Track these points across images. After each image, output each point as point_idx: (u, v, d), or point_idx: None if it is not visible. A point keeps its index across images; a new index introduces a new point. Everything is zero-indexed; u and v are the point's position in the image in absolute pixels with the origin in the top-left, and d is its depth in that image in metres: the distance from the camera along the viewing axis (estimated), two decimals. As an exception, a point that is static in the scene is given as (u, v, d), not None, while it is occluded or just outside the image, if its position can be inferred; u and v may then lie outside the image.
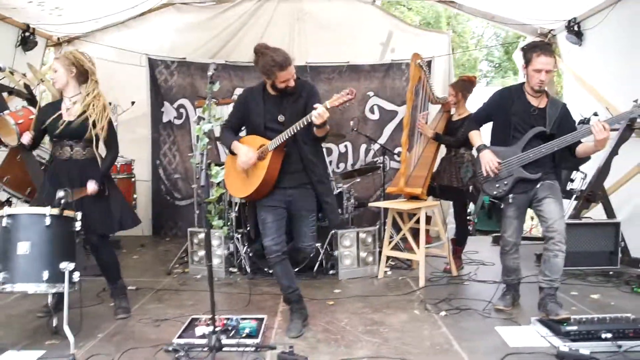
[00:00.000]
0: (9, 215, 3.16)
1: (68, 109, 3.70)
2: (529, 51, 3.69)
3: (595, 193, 5.37)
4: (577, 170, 5.67)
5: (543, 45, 3.72)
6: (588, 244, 5.09)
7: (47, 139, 4.94)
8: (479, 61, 21.85)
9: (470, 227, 8.04)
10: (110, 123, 3.79)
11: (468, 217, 8.10)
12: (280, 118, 3.50)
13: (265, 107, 3.53)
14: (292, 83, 3.46)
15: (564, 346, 3.06)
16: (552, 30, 6.96)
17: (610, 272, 4.96)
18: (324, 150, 5.35)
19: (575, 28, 6.37)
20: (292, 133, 3.35)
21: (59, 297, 3.57)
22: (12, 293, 3.53)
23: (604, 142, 3.48)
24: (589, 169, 5.60)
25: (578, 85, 6.64)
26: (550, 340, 3.24)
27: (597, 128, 3.42)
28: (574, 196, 5.57)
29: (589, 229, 5.14)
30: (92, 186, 3.60)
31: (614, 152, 5.32)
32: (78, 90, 3.74)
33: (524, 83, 3.83)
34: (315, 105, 3.24)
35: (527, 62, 3.69)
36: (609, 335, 3.14)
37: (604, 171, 5.34)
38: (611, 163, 5.34)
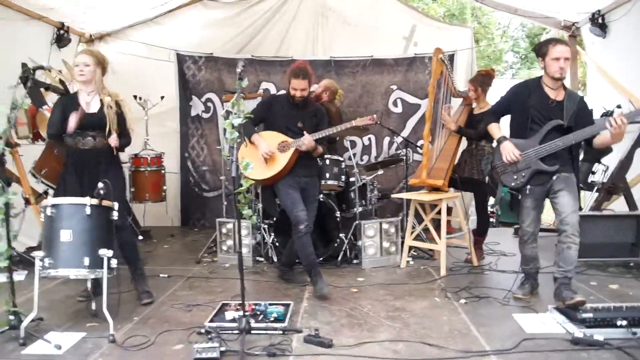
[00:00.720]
0: (52, 205, 3.39)
1: (87, 102, 3.93)
2: (543, 46, 3.82)
3: (616, 185, 5.43)
4: (599, 162, 5.70)
5: (556, 38, 3.84)
6: (609, 235, 5.13)
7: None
8: (504, 52, 21.69)
9: (492, 219, 8.15)
10: (124, 115, 4.05)
11: (491, 210, 8.23)
12: (300, 124, 4.36)
13: (288, 113, 4.40)
14: (299, 94, 4.31)
15: (579, 332, 3.18)
16: (575, 22, 6.96)
17: (631, 264, 5.01)
18: (348, 143, 5.52)
19: (599, 20, 6.37)
20: (322, 136, 4.32)
21: (96, 282, 3.83)
22: (55, 278, 3.77)
23: (620, 135, 3.56)
24: (611, 161, 5.64)
25: (601, 77, 6.65)
26: (565, 327, 3.34)
27: (614, 123, 3.50)
28: (596, 188, 5.61)
29: (610, 220, 5.18)
30: (114, 138, 3.86)
31: (636, 144, 5.37)
32: (96, 87, 3.96)
33: (541, 77, 3.92)
34: (303, 140, 4.24)
35: (544, 55, 3.80)
36: (624, 322, 3.23)
37: (626, 163, 5.40)
38: (633, 155, 5.39)
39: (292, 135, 4.35)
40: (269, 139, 4.37)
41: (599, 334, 3.14)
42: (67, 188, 3.85)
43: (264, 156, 4.28)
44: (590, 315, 3.33)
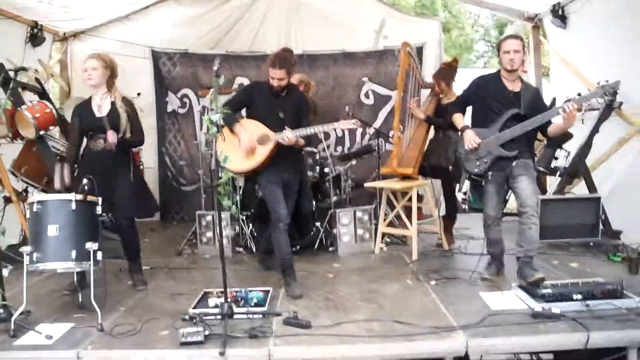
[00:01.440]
0: (39, 202, 3.54)
1: (99, 106, 4.13)
2: (498, 43, 4.18)
3: (577, 169, 5.70)
4: (561, 148, 5.98)
5: (509, 35, 4.17)
6: (571, 217, 5.40)
7: (56, 130, 5.33)
8: (475, 42, 22.02)
9: (464, 205, 8.42)
10: (137, 115, 4.30)
11: (463, 197, 8.50)
12: (281, 115, 4.24)
13: (269, 102, 4.26)
14: (276, 83, 4.19)
15: (539, 306, 3.44)
16: (538, 14, 7.24)
17: (591, 244, 5.30)
18: (322, 134, 5.69)
19: (560, 12, 6.64)
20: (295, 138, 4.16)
21: (81, 276, 4.00)
22: (43, 272, 3.89)
23: (572, 120, 3.84)
24: (572, 147, 5.93)
25: (563, 66, 6.94)
26: (527, 302, 3.60)
27: (566, 108, 3.80)
28: (558, 173, 5.90)
29: (571, 203, 5.45)
30: (112, 135, 4.00)
31: (595, 130, 5.65)
32: (106, 89, 4.15)
33: (500, 70, 4.19)
34: (284, 136, 4.11)
35: (498, 50, 4.14)
36: (579, 296, 3.51)
37: (585, 148, 5.67)
38: (592, 140, 5.67)
39: (273, 124, 4.20)
40: (250, 130, 4.21)
41: (556, 308, 3.41)
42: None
43: (244, 149, 4.17)
44: (549, 291, 3.60)
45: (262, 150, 4.20)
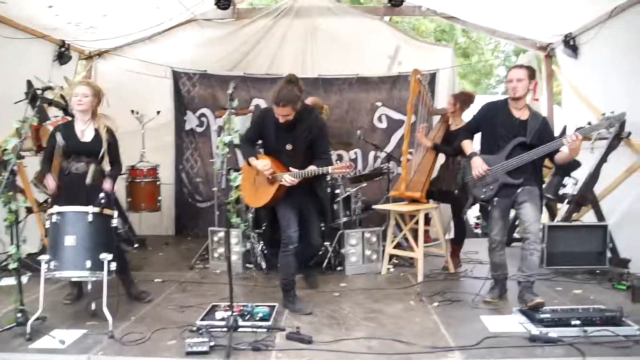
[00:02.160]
0: (58, 213, 3.72)
1: (82, 131, 4.27)
2: (507, 72, 4.33)
3: (585, 197, 5.76)
4: (569, 176, 6.05)
5: (516, 65, 4.29)
6: (578, 244, 5.46)
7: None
8: (495, 67, 22.11)
9: (477, 230, 8.49)
10: (117, 144, 4.42)
11: (476, 221, 8.55)
12: (288, 147, 4.18)
13: (276, 135, 4.20)
14: (282, 120, 4.06)
15: (536, 330, 3.51)
16: (550, 44, 7.36)
17: (597, 271, 5.33)
18: (335, 156, 5.85)
19: (571, 42, 6.75)
20: (301, 179, 4.06)
21: (79, 287, 4.35)
22: (59, 280, 4.08)
23: (576, 150, 3.94)
24: (581, 175, 6.00)
25: (575, 95, 7.03)
26: (526, 326, 3.68)
27: (569, 139, 3.89)
28: (566, 200, 5.96)
29: (579, 230, 5.52)
30: (109, 184, 4.22)
31: (603, 159, 5.71)
32: (89, 116, 4.31)
33: (507, 98, 4.31)
34: (287, 175, 4.02)
35: (506, 80, 4.25)
36: (578, 322, 3.58)
37: (593, 177, 5.73)
38: (600, 169, 5.73)
39: (282, 156, 4.20)
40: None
41: (554, 332, 3.48)
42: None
43: (264, 169, 4.14)
44: (548, 315, 3.68)
45: (270, 190, 4.19)
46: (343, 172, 4.15)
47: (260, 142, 4.42)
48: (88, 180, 4.13)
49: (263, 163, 4.16)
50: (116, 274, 4.30)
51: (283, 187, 4.11)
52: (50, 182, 4.28)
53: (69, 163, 4.22)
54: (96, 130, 4.27)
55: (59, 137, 4.20)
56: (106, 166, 4.37)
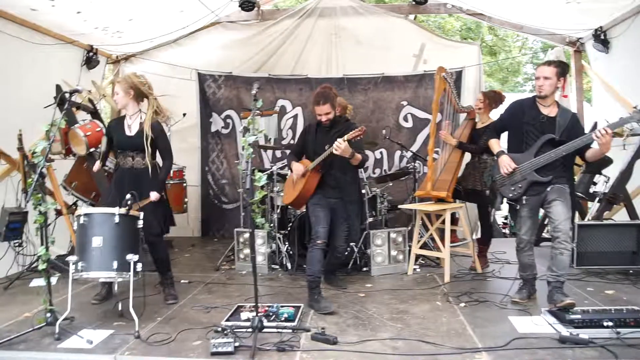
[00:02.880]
0: (85, 214, 3.77)
1: (129, 125, 4.36)
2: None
3: (617, 195, 5.63)
4: (600, 174, 5.91)
5: (545, 61, 4.22)
6: (610, 244, 5.35)
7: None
8: (522, 64, 21.77)
9: (505, 230, 8.37)
10: (164, 135, 4.42)
11: (504, 221, 8.43)
12: (327, 147, 4.38)
13: (316, 138, 4.59)
14: (324, 118, 4.46)
15: (566, 331, 3.43)
16: (580, 38, 7.21)
17: (630, 271, 5.20)
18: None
19: (602, 36, 6.61)
20: (321, 159, 4.40)
21: (109, 287, 4.46)
22: (86, 281, 4.14)
23: (607, 145, 3.82)
24: (612, 172, 5.85)
25: (605, 91, 6.87)
26: (555, 327, 3.59)
27: (598, 134, 3.78)
28: (597, 199, 5.82)
29: (611, 230, 5.40)
30: (155, 195, 4.25)
31: (636, 155, 5.58)
32: (137, 108, 4.40)
33: (536, 95, 4.21)
34: (338, 140, 4.16)
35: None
36: (610, 323, 3.47)
37: (626, 174, 5.60)
38: (633, 166, 5.59)
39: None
40: (303, 163, 4.62)
41: (584, 334, 3.39)
42: (109, 201, 4.23)
43: (295, 176, 4.61)
44: (578, 316, 3.57)
45: (301, 181, 4.57)
46: (357, 135, 4.20)
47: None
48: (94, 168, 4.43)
49: (296, 166, 4.57)
50: (160, 273, 4.56)
51: (312, 177, 4.49)
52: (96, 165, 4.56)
53: (118, 158, 4.36)
54: (141, 125, 4.33)
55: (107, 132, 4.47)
56: (159, 159, 4.45)
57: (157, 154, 4.43)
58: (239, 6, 7.04)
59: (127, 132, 4.33)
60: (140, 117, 4.37)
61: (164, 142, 4.43)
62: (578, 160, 4.47)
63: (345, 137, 4.15)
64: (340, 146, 4.12)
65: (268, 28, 7.68)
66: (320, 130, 4.59)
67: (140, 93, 4.37)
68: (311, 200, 4.60)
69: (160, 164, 4.45)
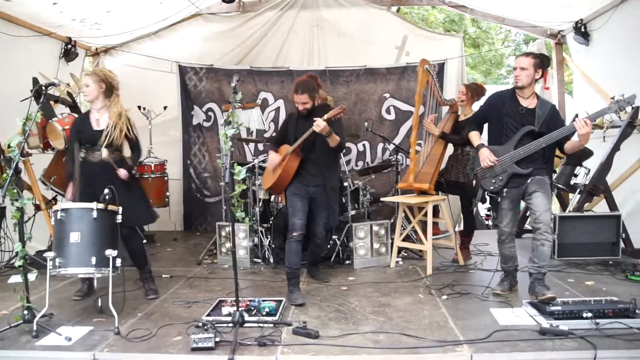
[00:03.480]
0: (62, 210, 3.71)
1: (97, 119, 4.27)
2: None
3: (597, 187, 5.66)
4: (581, 165, 5.96)
5: (522, 52, 4.21)
6: (590, 235, 5.40)
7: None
8: (505, 56, 21.89)
9: (488, 222, 8.42)
10: (133, 128, 4.39)
11: (487, 213, 8.48)
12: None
13: (297, 124, 4.59)
14: (301, 107, 4.48)
15: (547, 323, 3.45)
16: (561, 31, 7.25)
17: (610, 262, 5.25)
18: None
19: (582, 29, 6.65)
20: (303, 139, 4.42)
21: (89, 283, 4.37)
22: (64, 277, 4.08)
23: (586, 136, 3.85)
24: (592, 164, 5.90)
25: (586, 83, 6.92)
26: (536, 319, 3.61)
27: (579, 124, 3.81)
28: (578, 190, 5.87)
29: (591, 221, 5.44)
30: (123, 172, 4.17)
31: (615, 147, 5.62)
32: (104, 103, 4.29)
33: (514, 86, 4.22)
34: (315, 118, 4.21)
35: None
36: (590, 314, 3.50)
37: (606, 166, 5.64)
38: (613, 158, 5.63)
39: (303, 144, 4.52)
40: (282, 151, 4.66)
41: (564, 325, 3.41)
42: (82, 197, 4.12)
43: (269, 167, 4.70)
44: (558, 308, 3.59)
45: (280, 166, 4.59)
46: (336, 113, 4.26)
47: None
48: (103, 155, 4.10)
49: (272, 157, 4.63)
50: (137, 267, 4.48)
51: (291, 160, 4.51)
52: (69, 191, 4.35)
53: (86, 152, 4.23)
54: (109, 118, 4.25)
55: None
56: (126, 152, 4.35)
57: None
58: (220, -3, 6.96)
59: (95, 127, 4.23)
60: (108, 111, 4.28)
61: (135, 136, 4.40)
62: (559, 152, 4.50)
63: (325, 116, 4.22)
64: (320, 124, 4.17)
65: (249, 20, 7.61)
66: (300, 117, 4.59)
67: (110, 88, 4.31)
68: (289, 189, 4.60)
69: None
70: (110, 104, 4.29)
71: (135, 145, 4.40)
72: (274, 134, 4.87)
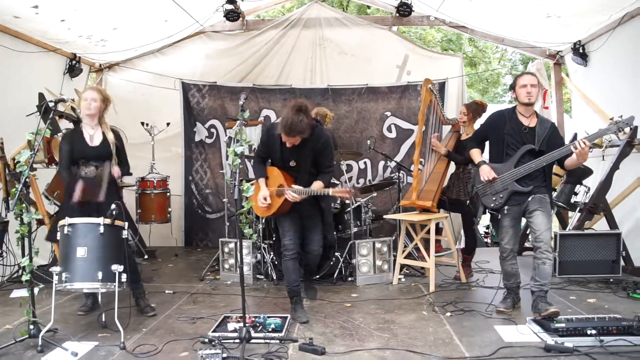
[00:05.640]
0: (69, 225, 3.73)
1: (91, 135, 4.31)
2: (513, 81, 4.31)
3: (597, 205, 5.72)
4: (581, 184, 6.02)
5: (524, 71, 4.26)
6: (590, 253, 5.44)
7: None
8: (502, 75, 22.09)
9: (487, 239, 8.45)
10: (123, 144, 4.48)
11: (485, 230, 8.50)
12: (292, 163, 4.27)
13: (281, 151, 4.26)
14: (289, 144, 4.10)
15: (552, 340, 3.47)
16: (559, 51, 7.36)
17: (611, 280, 5.28)
18: (344, 166, 5.85)
19: (581, 50, 6.76)
20: (305, 196, 4.15)
21: (94, 298, 4.35)
22: (70, 291, 4.08)
23: (584, 156, 3.91)
24: (592, 182, 5.96)
25: (584, 103, 7.01)
26: (540, 336, 3.63)
27: (577, 145, 3.87)
28: (578, 208, 5.92)
29: (591, 239, 5.48)
30: (117, 170, 4.24)
31: (615, 166, 5.68)
32: (97, 121, 4.35)
33: (515, 106, 4.29)
34: (287, 192, 4.10)
35: (514, 87, 4.28)
36: (594, 331, 3.53)
37: (605, 184, 5.70)
38: (612, 177, 5.69)
39: (287, 170, 4.30)
40: (271, 180, 4.35)
41: (569, 342, 3.44)
42: (72, 213, 4.05)
43: (259, 205, 4.31)
44: (562, 325, 3.62)
45: (277, 202, 4.27)
46: (343, 196, 4.25)
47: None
48: (103, 185, 4.11)
49: (264, 194, 4.25)
50: (128, 285, 4.30)
51: (285, 202, 4.21)
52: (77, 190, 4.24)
53: (78, 168, 4.23)
54: (104, 135, 4.32)
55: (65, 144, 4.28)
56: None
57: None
58: (224, 16, 7.04)
59: (90, 143, 4.26)
60: (102, 128, 4.34)
61: (125, 152, 4.48)
62: (559, 170, 4.56)
63: (331, 191, 4.10)
64: (294, 197, 4.10)
65: (253, 38, 7.71)
66: (284, 145, 4.20)
67: (105, 109, 4.38)
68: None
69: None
70: (101, 122, 4.37)
71: (124, 162, 4.49)
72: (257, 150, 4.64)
